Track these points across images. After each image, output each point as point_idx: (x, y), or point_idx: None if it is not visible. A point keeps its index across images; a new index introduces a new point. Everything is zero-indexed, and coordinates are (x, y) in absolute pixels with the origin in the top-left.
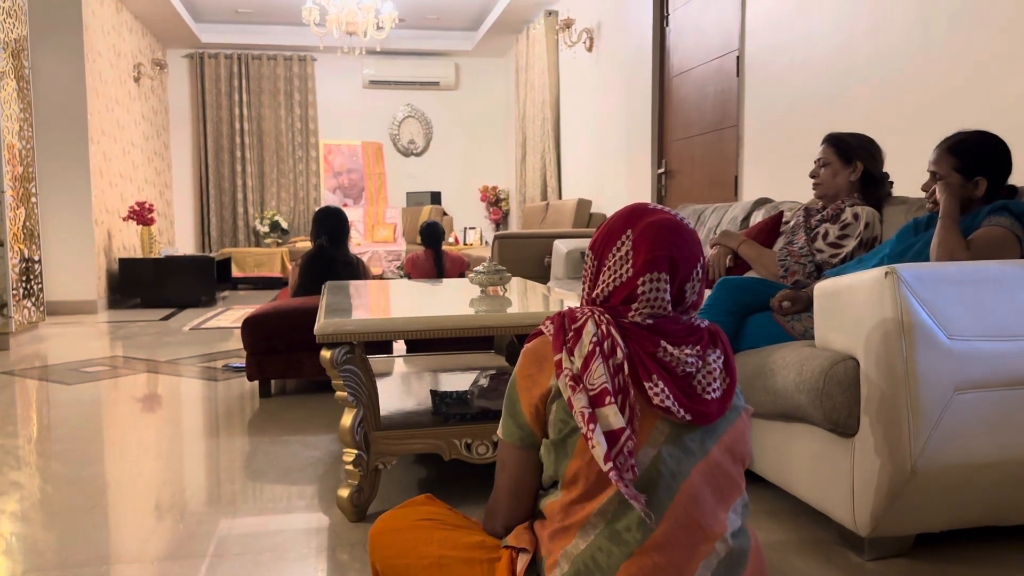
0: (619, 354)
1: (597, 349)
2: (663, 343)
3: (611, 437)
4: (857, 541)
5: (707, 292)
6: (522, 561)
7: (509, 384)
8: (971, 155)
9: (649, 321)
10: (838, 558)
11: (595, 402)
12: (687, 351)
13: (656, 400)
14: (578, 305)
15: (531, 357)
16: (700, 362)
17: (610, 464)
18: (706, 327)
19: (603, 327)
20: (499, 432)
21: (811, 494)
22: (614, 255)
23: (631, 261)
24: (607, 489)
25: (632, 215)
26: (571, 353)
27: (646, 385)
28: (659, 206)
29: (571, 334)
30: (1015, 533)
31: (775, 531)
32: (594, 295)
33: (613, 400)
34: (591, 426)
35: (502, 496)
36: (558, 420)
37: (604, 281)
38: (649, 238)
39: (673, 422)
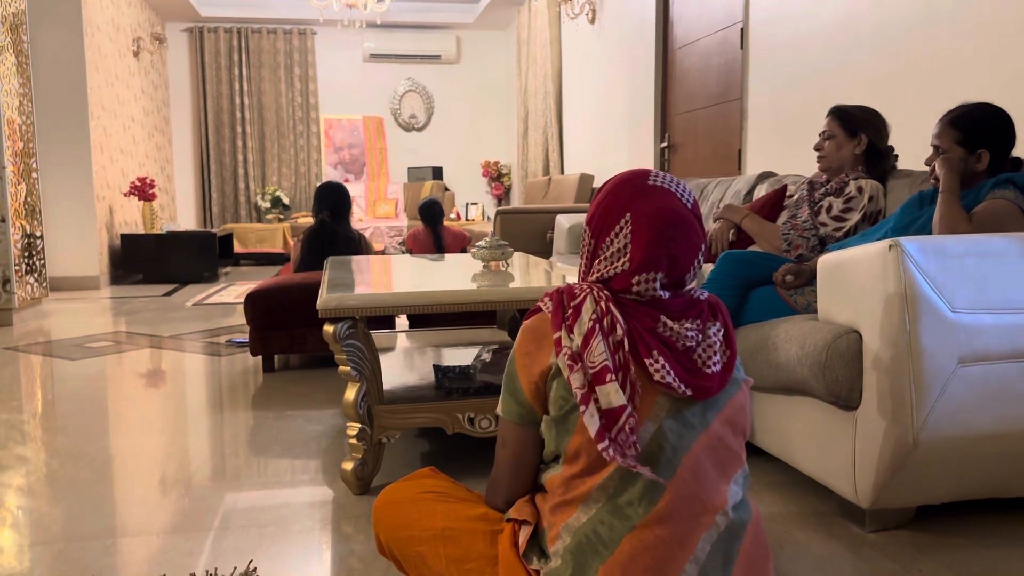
0: (619, 331)
1: (597, 326)
2: (663, 318)
3: (612, 415)
4: (858, 513)
5: (709, 266)
6: (524, 533)
7: (508, 362)
8: (973, 128)
9: (647, 298)
10: (839, 530)
11: (596, 380)
12: (687, 325)
13: (657, 376)
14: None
15: (530, 335)
16: (700, 335)
17: (604, 443)
18: (705, 300)
19: (602, 304)
20: (499, 409)
21: (813, 467)
22: (610, 244)
23: (628, 255)
24: (609, 464)
25: (631, 193)
26: (570, 331)
27: (647, 361)
28: (659, 179)
29: (570, 311)
30: (1016, 505)
31: (776, 503)
32: (589, 279)
33: (614, 377)
34: (582, 407)
35: (503, 472)
36: (559, 397)
37: (598, 269)
38: (647, 233)
39: (674, 397)
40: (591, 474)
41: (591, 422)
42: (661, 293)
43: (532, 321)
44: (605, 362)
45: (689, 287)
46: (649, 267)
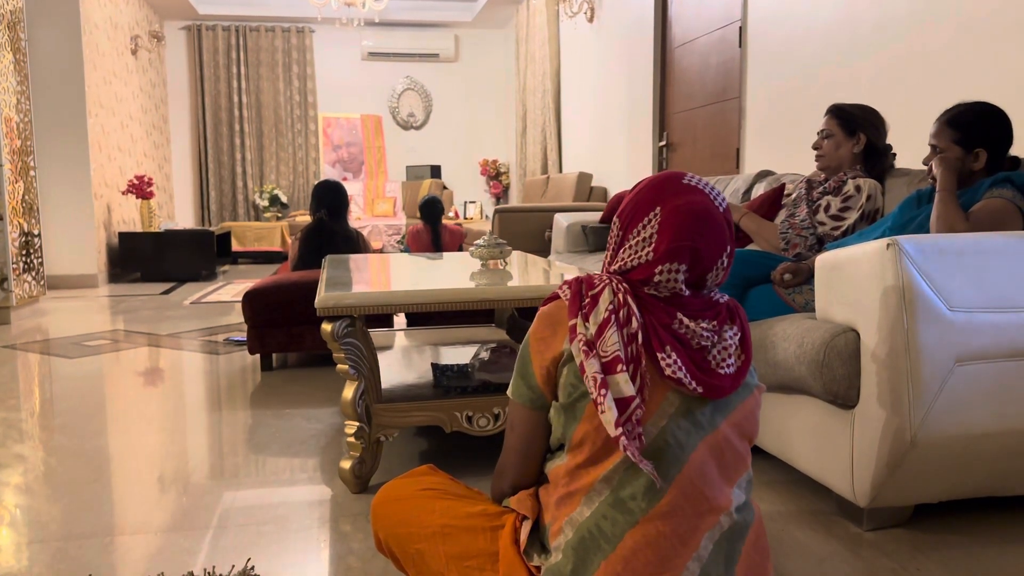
0: (634, 323)
1: (613, 317)
2: (679, 315)
3: (620, 404)
4: (856, 512)
5: None
6: (525, 529)
7: (522, 345)
8: (970, 127)
9: (666, 294)
10: (837, 528)
11: (607, 369)
12: (703, 325)
13: (668, 371)
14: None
15: (546, 320)
16: (716, 336)
17: (619, 430)
18: (724, 302)
19: (620, 295)
20: (509, 392)
21: (811, 465)
22: (638, 233)
23: (653, 245)
24: (613, 456)
25: (664, 189)
26: (586, 319)
27: (659, 356)
28: (694, 181)
29: (587, 300)
30: (1013, 504)
31: (775, 502)
32: (613, 269)
33: (625, 368)
34: (602, 391)
35: (511, 456)
36: (568, 384)
37: (622, 258)
38: (675, 225)
39: (684, 395)
40: (595, 464)
41: (611, 407)
42: (683, 288)
43: (549, 307)
44: (617, 352)
45: (710, 290)
46: (672, 258)
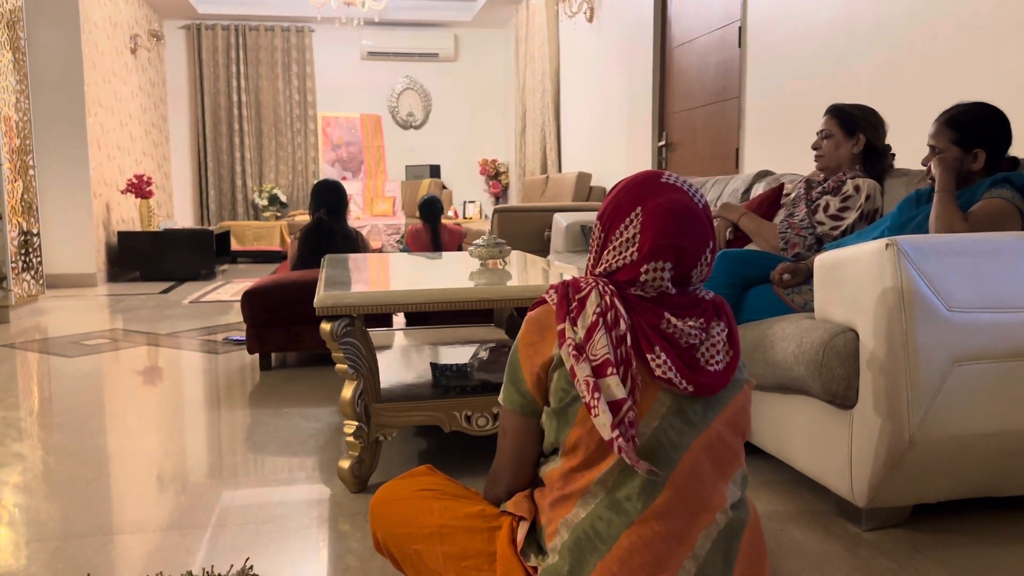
0: (622, 325)
1: (600, 320)
2: (666, 315)
3: (612, 407)
4: (854, 512)
5: None
6: (522, 530)
7: (511, 351)
8: (969, 128)
9: (652, 294)
10: (836, 528)
11: (597, 372)
12: (690, 323)
13: (658, 371)
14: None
15: (533, 325)
16: (703, 334)
17: (615, 432)
18: (710, 299)
19: (607, 298)
20: (500, 398)
21: (809, 465)
22: (620, 234)
23: (636, 245)
24: (607, 458)
25: (644, 189)
26: (574, 323)
27: (648, 357)
28: (672, 179)
29: (575, 304)
30: (1011, 504)
31: (773, 502)
32: (597, 271)
33: (615, 371)
34: (596, 395)
35: (504, 462)
36: (559, 389)
37: (607, 260)
38: (656, 223)
39: (675, 394)
40: (589, 467)
41: (605, 411)
42: (669, 287)
43: (536, 312)
44: (607, 356)
45: (695, 287)
46: (656, 256)
